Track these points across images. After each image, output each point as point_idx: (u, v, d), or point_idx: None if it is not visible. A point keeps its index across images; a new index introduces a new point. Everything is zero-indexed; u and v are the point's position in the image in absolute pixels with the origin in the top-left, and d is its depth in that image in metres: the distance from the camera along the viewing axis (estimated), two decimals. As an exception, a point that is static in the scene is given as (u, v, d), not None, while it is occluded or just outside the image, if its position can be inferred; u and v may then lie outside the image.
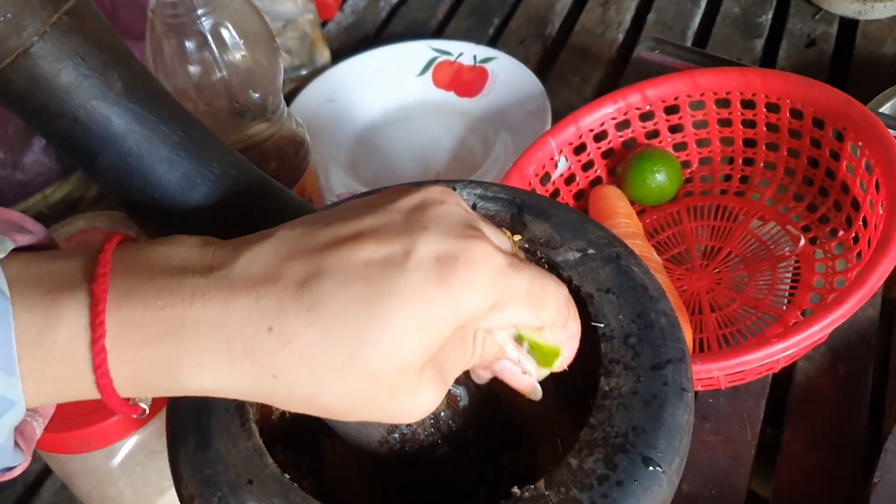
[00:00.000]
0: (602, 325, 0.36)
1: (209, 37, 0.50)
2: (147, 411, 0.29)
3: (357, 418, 0.28)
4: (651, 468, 0.31)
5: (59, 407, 0.46)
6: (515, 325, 0.30)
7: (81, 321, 0.26)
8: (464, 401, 0.39)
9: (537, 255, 0.40)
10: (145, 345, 0.26)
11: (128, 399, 0.28)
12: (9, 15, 0.28)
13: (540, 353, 0.32)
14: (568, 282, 0.38)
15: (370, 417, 0.28)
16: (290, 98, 0.84)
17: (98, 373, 0.26)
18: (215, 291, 0.26)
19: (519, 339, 0.31)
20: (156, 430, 0.49)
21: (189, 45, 0.50)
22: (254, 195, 0.34)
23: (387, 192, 0.30)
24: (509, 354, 0.31)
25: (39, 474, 0.61)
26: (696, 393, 0.57)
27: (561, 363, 0.32)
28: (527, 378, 0.32)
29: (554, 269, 0.39)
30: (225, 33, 0.50)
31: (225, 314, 0.26)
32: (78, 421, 0.46)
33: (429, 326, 0.26)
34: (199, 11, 0.50)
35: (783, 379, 0.59)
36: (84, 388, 0.27)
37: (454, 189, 0.43)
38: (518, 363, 0.31)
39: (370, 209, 0.28)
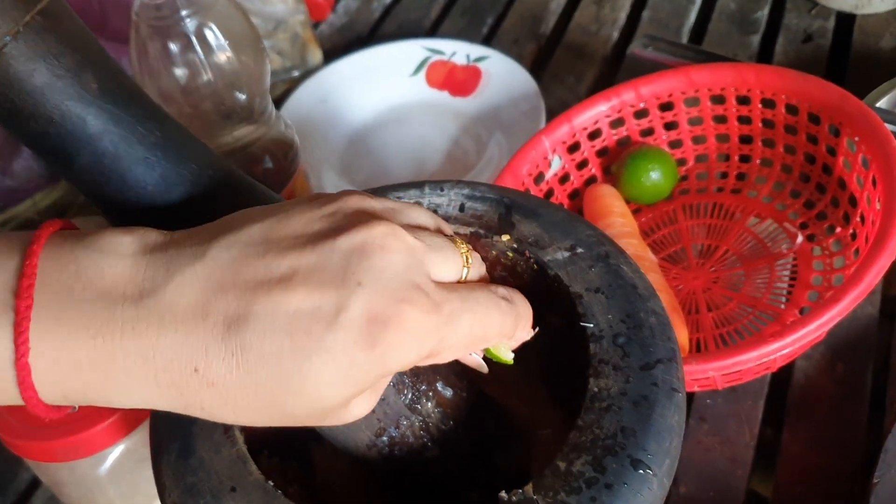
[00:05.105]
0: (591, 326, 0.35)
1: (193, 38, 0.49)
2: (76, 408, 0.30)
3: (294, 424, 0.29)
4: (641, 471, 0.30)
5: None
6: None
7: (6, 340, 0.26)
8: (454, 403, 0.38)
9: (525, 255, 0.39)
10: (77, 371, 0.27)
11: (57, 406, 0.28)
12: (-21, 15, 0.27)
13: (489, 354, 0.33)
14: (556, 281, 0.38)
15: (308, 423, 0.29)
16: (281, 100, 0.84)
17: (22, 387, 0.27)
18: (145, 324, 0.27)
19: None
20: (143, 438, 0.48)
21: (173, 46, 0.50)
22: (237, 196, 0.33)
23: (334, 212, 0.29)
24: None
25: (30, 484, 0.60)
26: (693, 394, 0.57)
27: (510, 358, 0.33)
28: (473, 357, 0.33)
29: (542, 268, 0.38)
30: (209, 34, 0.50)
31: (153, 350, 0.27)
32: (64, 429, 0.46)
33: (351, 382, 0.27)
34: (183, 13, 0.49)
35: (782, 379, 0.58)
36: (10, 398, 0.27)
37: (441, 189, 0.42)
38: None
39: (310, 241, 0.28)
